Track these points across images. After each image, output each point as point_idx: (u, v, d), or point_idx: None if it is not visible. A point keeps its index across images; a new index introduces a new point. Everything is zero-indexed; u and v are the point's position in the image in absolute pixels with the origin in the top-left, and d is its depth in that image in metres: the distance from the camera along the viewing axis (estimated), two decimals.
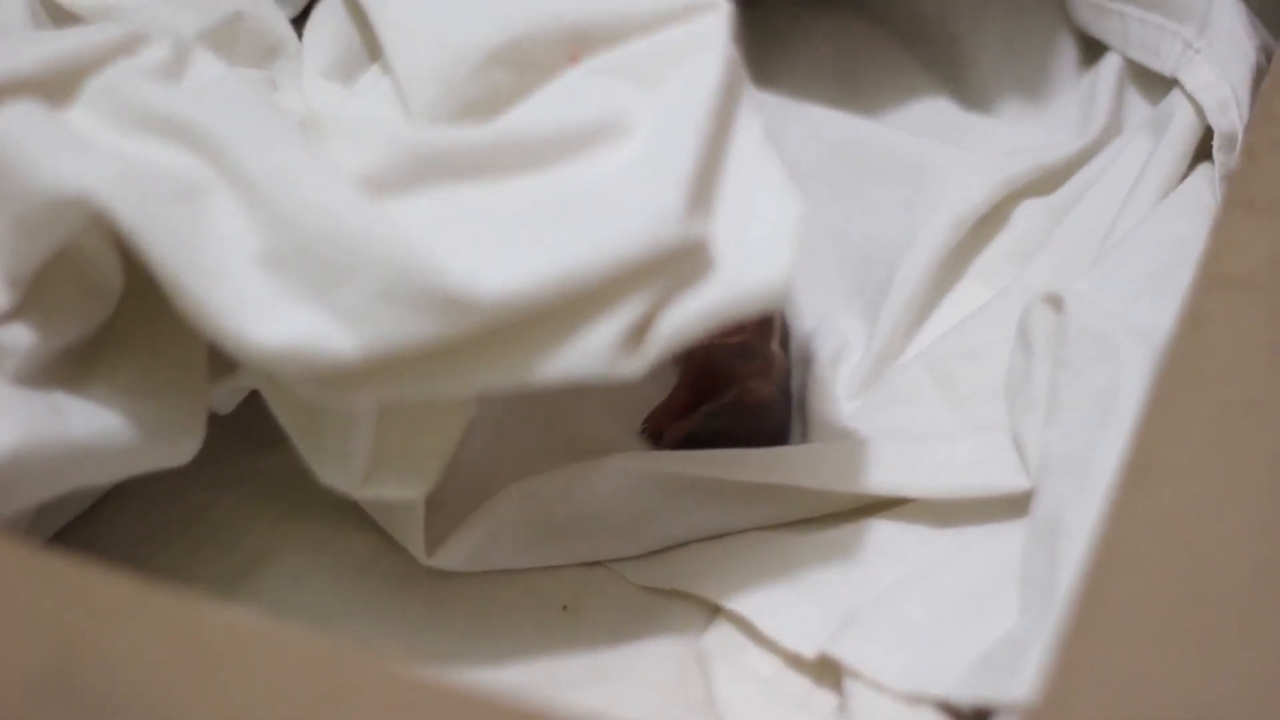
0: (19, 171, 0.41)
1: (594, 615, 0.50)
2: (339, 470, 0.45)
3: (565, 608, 0.51)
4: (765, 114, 0.62)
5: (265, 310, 0.40)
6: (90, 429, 0.44)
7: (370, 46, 0.52)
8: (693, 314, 0.41)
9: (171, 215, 0.40)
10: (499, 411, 0.54)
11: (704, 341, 0.56)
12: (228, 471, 0.54)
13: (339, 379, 0.40)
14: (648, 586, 0.51)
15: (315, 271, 0.39)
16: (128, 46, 0.45)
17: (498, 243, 0.41)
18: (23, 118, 0.42)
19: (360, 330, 0.39)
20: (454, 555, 0.51)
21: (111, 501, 0.53)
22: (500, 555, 0.51)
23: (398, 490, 0.45)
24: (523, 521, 0.51)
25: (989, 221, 0.60)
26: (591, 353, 0.40)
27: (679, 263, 0.41)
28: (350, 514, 0.53)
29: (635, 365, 0.41)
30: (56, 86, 0.44)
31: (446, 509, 0.52)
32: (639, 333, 0.41)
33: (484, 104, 0.47)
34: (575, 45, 0.46)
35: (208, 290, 0.40)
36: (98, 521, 0.53)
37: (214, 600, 0.38)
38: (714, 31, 0.46)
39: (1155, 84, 0.63)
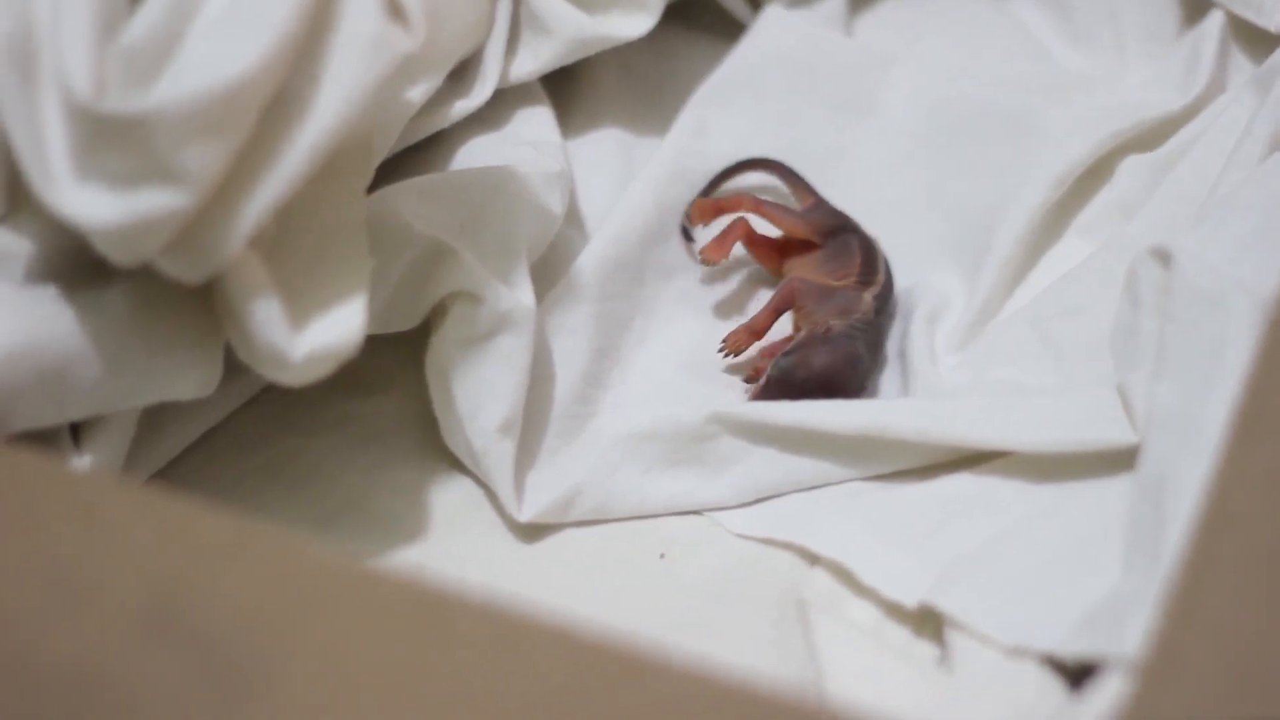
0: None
1: (691, 564, 0.50)
2: (267, 343, 0.44)
3: (662, 556, 0.50)
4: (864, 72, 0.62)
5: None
6: (94, 333, 0.44)
7: None
8: None
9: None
10: (587, 361, 0.54)
11: (801, 276, 0.56)
12: (319, 418, 0.54)
13: None
14: (746, 536, 0.51)
15: None
16: None
17: None
18: None
19: None
20: (548, 507, 0.51)
21: (201, 448, 0.53)
22: (595, 505, 0.51)
23: (333, 336, 0.45)
24: (618, 470, 0.51)
25: (1091, 177, 0.60)
26: None
27: None
28: (443, 464, 0.53)
29: None
30: None
31: (539, 460, 0.52)
32: None
33: None
34: None
35: None
36: (186, 468, 0.53)
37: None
38: None
39: (1260, 40, 0.62)
